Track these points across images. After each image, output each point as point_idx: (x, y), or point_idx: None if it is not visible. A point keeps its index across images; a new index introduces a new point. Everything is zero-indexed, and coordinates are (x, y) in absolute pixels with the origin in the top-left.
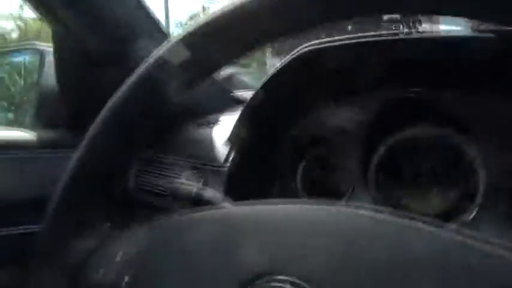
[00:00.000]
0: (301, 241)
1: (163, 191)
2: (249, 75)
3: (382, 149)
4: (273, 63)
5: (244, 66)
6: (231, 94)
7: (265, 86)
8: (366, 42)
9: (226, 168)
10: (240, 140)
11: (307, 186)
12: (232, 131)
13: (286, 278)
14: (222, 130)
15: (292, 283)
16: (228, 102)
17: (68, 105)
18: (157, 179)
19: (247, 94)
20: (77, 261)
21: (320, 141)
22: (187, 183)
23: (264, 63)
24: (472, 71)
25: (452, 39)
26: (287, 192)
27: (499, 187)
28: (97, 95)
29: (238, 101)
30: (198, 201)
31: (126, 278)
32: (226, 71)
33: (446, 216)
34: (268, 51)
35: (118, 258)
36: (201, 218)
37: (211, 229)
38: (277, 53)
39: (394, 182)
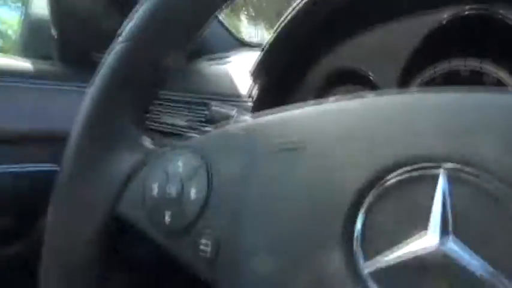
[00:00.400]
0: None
1: (181, 129)
2: None
3: (419, 81)
4: (250, 32)
5: None
6: (236, 36)
7: (296, 13)
8: None
9: (250, 103)
10: (264, 73)
11: None
12: (255, 64)
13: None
14: (236, 67)
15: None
16: (233, 43)
17: (59, 36)
18: (173, 119)
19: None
20: (118, 180)
21: (352, 73)
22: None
23: (239, 32)
24: None
25: None
26: None
27: None
28: (91, 28)
29: (243, 43)
30: None
31: (193, 191)
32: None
33: None
34: (244, 19)
35: (181, 169)
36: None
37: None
38: (255, 23)
39: None
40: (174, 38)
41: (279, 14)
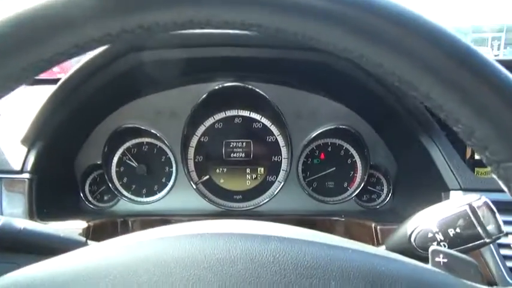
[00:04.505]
0: None
1: None
2: None
3: (201, 130)
4: None
5: None
6: None
7: (77, 76)
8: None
9: (27, 176)
10: (41, 142)
11: (123, 176)
12: (28, 132)
13: None
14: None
15: None
16: None
17: None
18: None
19: None
20: None
21: (136, 130)
22: None
23: None
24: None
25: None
26: (104, 185)
27: (298, 161)
28: None
29: None
30: None
31: None
32: None
33: (257, 191)
34: None
35: None
36: None
37: None
38: None
39: (211, 162)
40: None
41: None
